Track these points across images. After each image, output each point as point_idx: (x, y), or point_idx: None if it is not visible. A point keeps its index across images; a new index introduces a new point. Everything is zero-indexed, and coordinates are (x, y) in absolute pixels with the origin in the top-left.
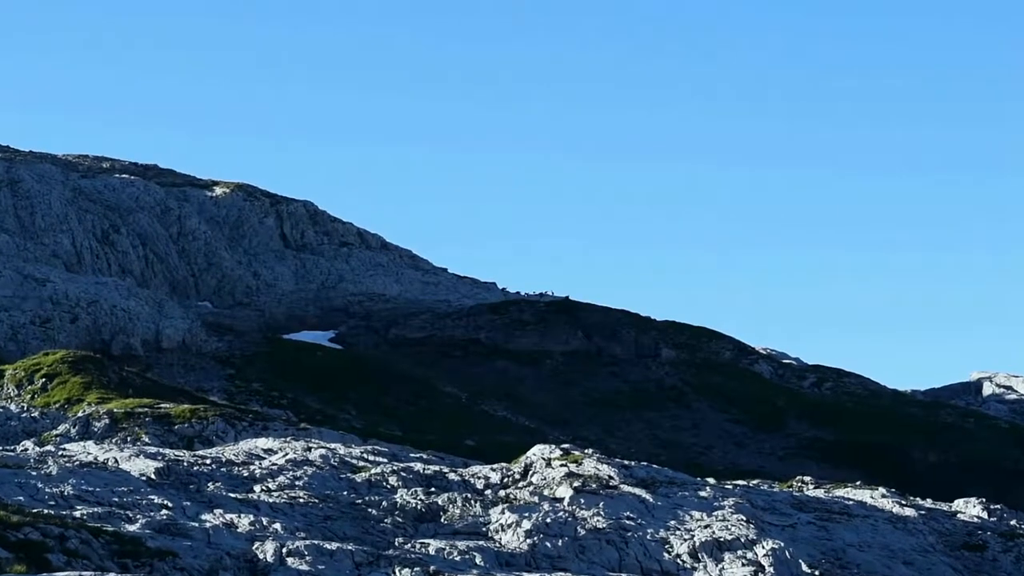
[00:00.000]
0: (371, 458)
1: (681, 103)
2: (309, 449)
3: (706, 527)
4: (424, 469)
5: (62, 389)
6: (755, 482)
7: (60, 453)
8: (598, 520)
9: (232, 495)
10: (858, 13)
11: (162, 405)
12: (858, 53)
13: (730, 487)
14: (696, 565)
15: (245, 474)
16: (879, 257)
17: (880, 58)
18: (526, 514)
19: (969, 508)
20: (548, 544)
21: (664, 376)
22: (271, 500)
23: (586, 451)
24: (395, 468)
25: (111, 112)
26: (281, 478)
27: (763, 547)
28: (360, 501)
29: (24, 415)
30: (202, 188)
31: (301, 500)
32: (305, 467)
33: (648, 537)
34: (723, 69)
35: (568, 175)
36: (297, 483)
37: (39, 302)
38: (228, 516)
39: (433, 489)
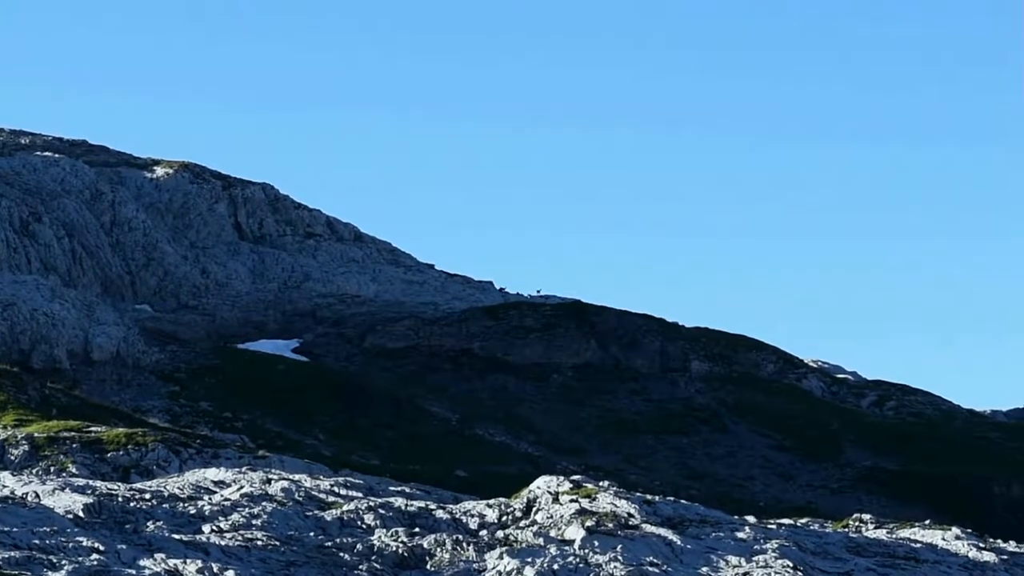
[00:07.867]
0: (343, 492)
1: (710, 68)
2: (268, 481)
3: (745, 574)
4: (407, 505)
5: None
6: (804, 521)
7: None
8: (615, 567)
9: (176, 536)
10: None
11: (92, 428)
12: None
13: (774, 527)
14: None
15: (192, 511)
16: (951, 247)
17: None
18: (529, 559)
19: None
20: None
21: (694, 394)
22: (223, 542)
23: (601, 484)
24: (372, 504)
25: (30, 76)
26: (235, 516)
27: None
28: (330, 543)
29: None
30: (140, 168)
31: (259, 542)
32: (264, 503)
33: None
34: (764, 32)
35: (578, 153)
36: (254, 522)
37: None
38: (171, 562)
39: (417, 529)
